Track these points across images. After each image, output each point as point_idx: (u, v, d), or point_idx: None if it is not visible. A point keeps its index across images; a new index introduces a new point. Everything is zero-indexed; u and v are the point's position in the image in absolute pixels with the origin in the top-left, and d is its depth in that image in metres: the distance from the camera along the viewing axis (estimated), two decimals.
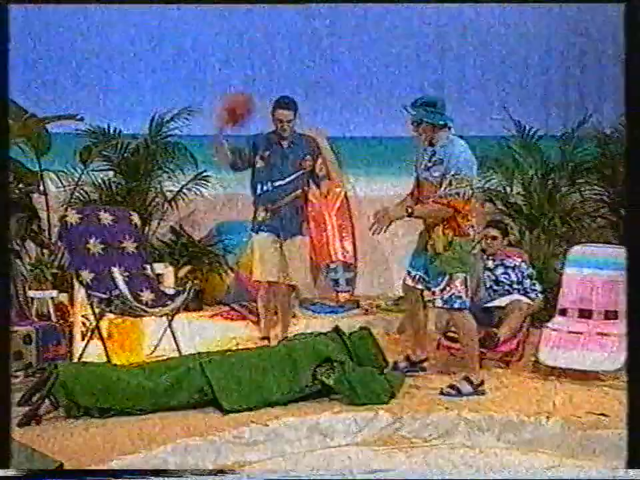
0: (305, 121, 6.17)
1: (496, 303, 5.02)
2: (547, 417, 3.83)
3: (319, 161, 5.18)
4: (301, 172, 5.08)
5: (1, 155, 2.56)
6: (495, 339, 4.67)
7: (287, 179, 5.05)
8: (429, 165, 4.27)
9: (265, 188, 5.05)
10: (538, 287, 5.15)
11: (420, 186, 4.38)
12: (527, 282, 5.15)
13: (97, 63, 6.28)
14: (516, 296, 5.03)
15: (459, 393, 4.20)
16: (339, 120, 6.59)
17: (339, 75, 6.63)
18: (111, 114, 6.19)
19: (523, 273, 5.17)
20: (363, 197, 6.69)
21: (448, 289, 4.23)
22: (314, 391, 4.12)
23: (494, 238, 5.21)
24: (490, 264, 5.18)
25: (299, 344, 4.36)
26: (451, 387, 4.25)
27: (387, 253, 6.75)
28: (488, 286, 5.12)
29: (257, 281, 5.23)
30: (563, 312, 4.97)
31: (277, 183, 5.04)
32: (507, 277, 5.15)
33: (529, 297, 5.07)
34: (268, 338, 5.27)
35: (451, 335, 4.76)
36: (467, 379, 4.28)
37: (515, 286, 5.12)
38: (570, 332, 4.72)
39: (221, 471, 3.40)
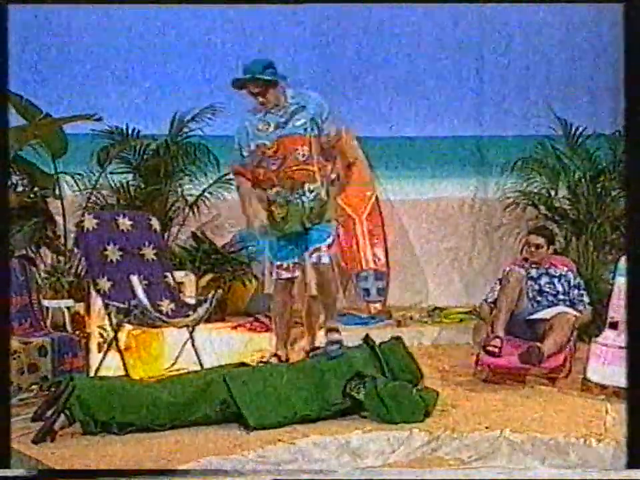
0: (334, 120, 6.22)
1: (540, 315, 4.97)
2: (598, 440, 3.77)
3: (329, 166, 5.19)
4: None
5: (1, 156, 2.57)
6: (539, 354, 4.61)
7: None
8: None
9: None
10: (586, 298, 5.09)
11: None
12: (574, 292, 5.09)
13: (115, 61, 6.33)
14: (562, 307, 4.98)
15: (340, 343, 4.65)
16: (369, 119, 6.57)
17: (370, 73, 6.61)
18: (129, 114, 6.23)
19: (570, 282, 5.12)
20: (395, 200, 6.67)
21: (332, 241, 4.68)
22: (344, 407, 4.10)
23: (538, 246, 5.16)
24: (533, 273, 5.13)
25: (327, 358, 4.34)
26: (330, 343, 4.69)
27: (421, 260, 6.72)
28: (531, 297, 5.07)
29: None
30: (614, 325, 4.86)
31: None
32: (551, 287, 5.10)
33: (576, 309, 5.01)
34: (284, 352, 5.12)
35: (491, 349, 4.72)
36: (335, 330, 4.75)
37: (561, 297, 5.07)
38: (621, 347, 4.64)
39: (225, 471, 3.40)
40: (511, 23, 6.61)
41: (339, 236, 6.22)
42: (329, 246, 4.69)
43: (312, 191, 4.63)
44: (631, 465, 2.69)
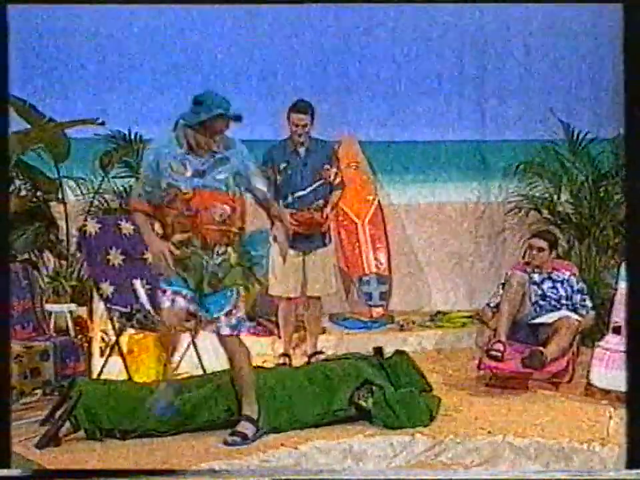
0: (335, 125, 6.22)
1: (543, 319, 4.96)
2: (601, 444, 3.76)
3: (334, 169, 5.21)
4: (321, 181, 5.14)
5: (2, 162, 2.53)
6: (541, 359, 4.60)
7: (308, 189, 5.11)
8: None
9: (287, 200, 5.10)
10: (589, 303, 5.08)
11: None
12: (577, 297, 5.07)
13: (116, 64, 6.32)
14: (565, 312, 4.96)
15: (245, 438, 3.85)
16: (371, 123, 6.56)
17: (371, 78, 6.59)
18: (132, 118, 6.22)
19: (573, 287, 5.10)
20: (398, 204, 6.66)
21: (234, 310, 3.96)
22: (349, 415, 4.09)
23: (540, 249, 5.14)
24: (536, 277, 5.11)
25: (336, 365, 4.34)
26: (234, 433, 3.87)
27: (423, 265, 6.70)
28: (534, 301, 5.05)
29: (274, 295, 5.27)
30: (617, 330, 4.86)
31: (298, 194, 5.10)
32: (554, 291, 5.08)
33: (579, 313, 4.99)
34: (288, 355, 5.29)
35: (494, 353, 4.70)
36: (249, 419, 3.92)
37: (564, 301, 5.05)
38: (625, 352, 4.63)
39: (226, 471, 3.38)
40: (513, 27, 6.59)
41: (341, 240, 6.29)
42: (229, 313, 3.98)
43: (220, 255, 3.93)
44: (630, 465, 2.66)
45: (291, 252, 5.09)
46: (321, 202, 5.13)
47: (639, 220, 2.58)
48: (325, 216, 5.12)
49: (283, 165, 5.11)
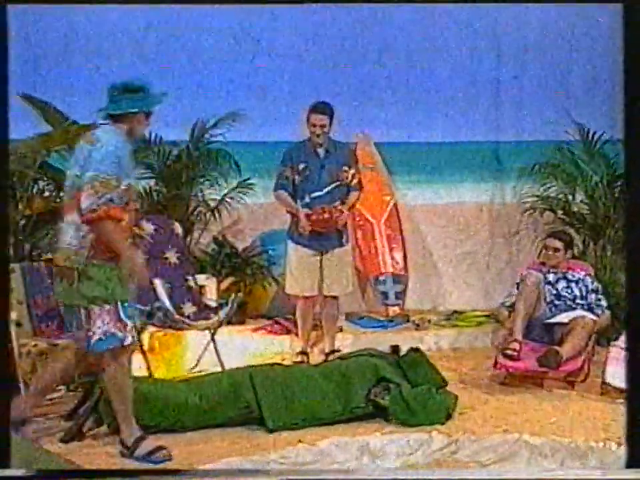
0: (351, 126, 6.24)
1: (557, 319, 4.95)
2: (618, 443, 3.75)
3: (352, 171, 5.22)
4: (338, 182, 5.15)
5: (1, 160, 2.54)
6: (557, 358, 4.59)
7: (325, 190, 5.14)
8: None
9: (304, 200, 5.13)
10: (604, 302, 5.06)
11: None
12: (592, 297, 5.06)
13: (135, 66, 6.35)
14: (580, 312, 4.95)
15: (132, 454, 3.60)
16: (387, 125, 6.56)
17: (388, 80, 6.59)
18: (152, 119, 6.24)
19: (588, 287, 5.09)
20: (413, 205, 6.67)
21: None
22: (366, 413, 4.11)
23: (556, 249, 5.14)
24: (551, 277, 5.11)
25: (353, 362, 4.36)
26: (123, 444, 3.65)
27: (439, 264, 6.71)
28: (549, 301, 5.04)
29: (291, 294, 5.34)
30: None
31: (315, 194, 5.12)
32: (569, 291, 5.07)
33: (594, 313, 4.98)
34: (306, 353, 5.33)
35: (510, 352, 4.71)
36: (141, 439, 3.63)
37: (579, 301, 5.04)
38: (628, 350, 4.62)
39: (227, 471, 3.40)
40: (527, 29, 6.56)
41: (357, 240, 6.31)
42: (88, 330, 3.58)
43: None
44: (630, 464, 2.64)
45: (308, 251, 5.17)
46: (337, 203, 5.15)
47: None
48: (341, 210, 5.11)
49: (302, 166, 5.14)
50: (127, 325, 3.59)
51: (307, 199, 5.13)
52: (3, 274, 2.51)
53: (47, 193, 5.67)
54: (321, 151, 5.15)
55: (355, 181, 5.24)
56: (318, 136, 5.09)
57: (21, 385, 4.24)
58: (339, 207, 5.14)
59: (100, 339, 3.55)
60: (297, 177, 5.15)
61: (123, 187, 3.54)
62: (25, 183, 5.31)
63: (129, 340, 3.60)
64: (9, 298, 2.60)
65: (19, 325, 4.40)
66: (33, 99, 5.63)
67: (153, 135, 6.16)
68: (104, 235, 3.50)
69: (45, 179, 5.64)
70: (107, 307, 3.55)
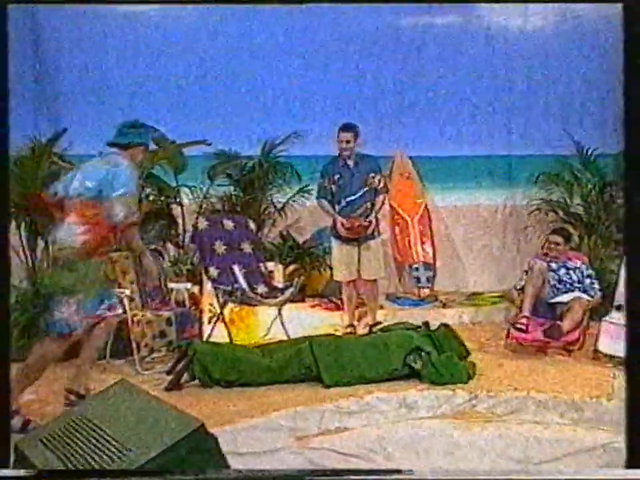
0: (391, 142, 6.24)
1: (559, 299, 4.92)
2: (608, 399, 3.73)
3: (378, 177, 5.21)
4: (367, 187, 5.15)
5: (2, 161, 2.28)
6: (559, 330, 4.58)
7: (357, 194, 5.14)
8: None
9: (340, 204, 5.16)
10: (597, 286, 5.01)
11: None
12: (587, 281, 5.01)
13: (219, 94, 6.33)
14: (577, 293, 4.91)
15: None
16: (420, 141, 6.51)
17: (420, 104, 6.50)
18: (231, 139, 6.34)
19: (583, 273, 5.04)
20: (441, 206, 6.65)
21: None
22: (402, 374, 4.13)
23: (557, 243, 5.10)
24: (553, 265, 5.07)
25: (392, 333, 4.37)
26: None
27: (461, 254, 6.69)
28: (552, 284, 5.00)
29: (338, 280, 5.35)
30: (619, 308, 4.79)
31: (349, 199, 5.14)
32: (569, 276, 5.03)
33: (589, 294, 4.93)
34: (353, 325, 5.34)
35: (520, 326, 4.69)
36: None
37: (576, 285, 5.00)
38: (625, 325, 4.55)
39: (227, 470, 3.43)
40: (534, 56, 6.36)
41: (395, 235, 6.32)
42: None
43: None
44: (630, 465, 2.45)
45: (347, 246, 5.20)
46: (368, 204, 5.15)
47: (635, 220, 2.54)
48: (369, 221, 5.12)
49: (336, 176, 5.17)
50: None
51: (343, 203, 5.16)
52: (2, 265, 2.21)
53: (151, 197, 5.80)
54: (351, 162, 5.16)
55: (381, 185, 5.25)
56: (345, 150, 5.11)
57: (134, 345, 4.38)
58: (367, 220, 5.11)
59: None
60: (333, 186, 5.17)
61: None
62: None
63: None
64: (9, 288, 2.35)
65: (131, 300, 4.53)
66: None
67: (232, 151, 6.26)
68: (132, 240, 3.49)
69: (150, 186, 5.77)
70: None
